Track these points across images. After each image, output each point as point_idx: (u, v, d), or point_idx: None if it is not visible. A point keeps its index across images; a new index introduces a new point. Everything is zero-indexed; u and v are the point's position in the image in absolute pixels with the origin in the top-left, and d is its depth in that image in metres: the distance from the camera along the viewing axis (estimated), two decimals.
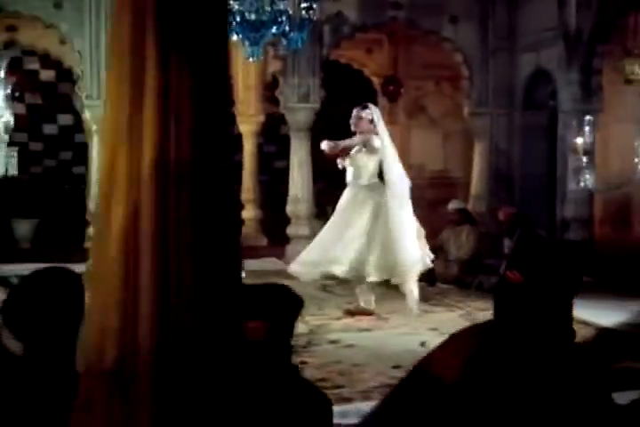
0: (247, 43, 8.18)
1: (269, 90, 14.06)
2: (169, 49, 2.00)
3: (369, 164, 7.84)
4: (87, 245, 13.02)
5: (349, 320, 7.76)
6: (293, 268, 7.94)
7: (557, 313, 3.03)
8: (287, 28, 7.86)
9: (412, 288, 7.76)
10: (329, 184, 10.93)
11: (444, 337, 7.32)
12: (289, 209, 11.61)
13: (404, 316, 7.81)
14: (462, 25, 11.41)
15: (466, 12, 11.39)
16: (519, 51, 11.42)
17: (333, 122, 12.14)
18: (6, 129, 11.76)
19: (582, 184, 5.40)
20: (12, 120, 12.58)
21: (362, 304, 7.92)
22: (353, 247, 7.61)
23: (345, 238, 7.63)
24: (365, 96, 14.32)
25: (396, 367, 5.98)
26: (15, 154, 12.09)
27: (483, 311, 8.21)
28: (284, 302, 2.79)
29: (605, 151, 10.36)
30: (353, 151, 7.87)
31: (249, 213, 14.06)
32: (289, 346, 2.77)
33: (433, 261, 8.20)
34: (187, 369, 2.00)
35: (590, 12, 10.08)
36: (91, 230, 11.01)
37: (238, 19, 7.87)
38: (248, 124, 13.95)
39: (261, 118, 13.96)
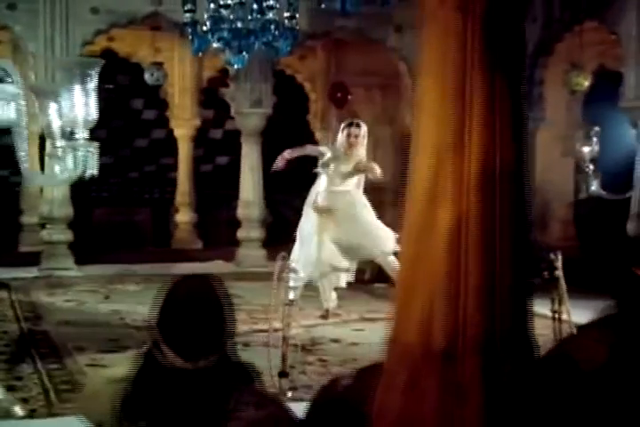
0: (228, 51, 8.32)
1: (204, 94, 14.22)
2: (493, 67, 2.27)
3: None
4: (21, 249, 12.90)
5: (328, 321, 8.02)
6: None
7: None
8: (271, 38, 8.07)
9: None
10: None
11: None
12: (240, 213, 11.76)
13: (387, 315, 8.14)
14: (407, 35, 11.82)
15: (410, 22, 11.77)
16: None
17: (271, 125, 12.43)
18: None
19: (591, 190, 5.86)
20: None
21: (331, 305, 8.18)
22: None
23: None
24: (298, 101, 14.65)
25: None
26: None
27: None
28: None
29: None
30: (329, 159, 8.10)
31: (184, 216, 14.15)
32: None
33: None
34: (511, 353, 2.25)
35: (535, 26, 10.63)
36: (45, 233, 10.91)
37: (225, 26, 8.01)
38: (184, 129, 14.03)
39: (197, 122, 14.04)
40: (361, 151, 8.07)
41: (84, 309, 8.52)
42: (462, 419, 2.23)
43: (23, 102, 4.63)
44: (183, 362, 2.63)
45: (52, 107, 4.98)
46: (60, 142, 4.83)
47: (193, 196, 14.15)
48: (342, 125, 8.26)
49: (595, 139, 5.89)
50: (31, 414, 4.82)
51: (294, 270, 5.14)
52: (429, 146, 2.34)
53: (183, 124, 13.99)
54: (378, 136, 14.33)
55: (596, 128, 5.92)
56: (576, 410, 2.75)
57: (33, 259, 11.14)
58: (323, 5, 7.57)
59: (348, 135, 8.01)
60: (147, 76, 12.17)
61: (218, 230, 15.08)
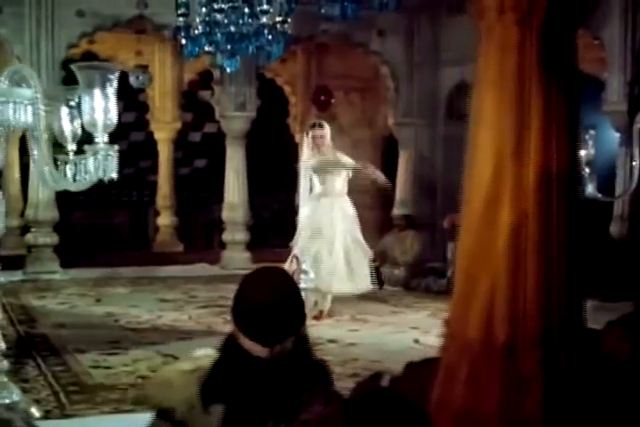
0: (220, 54, 8.40)
1: (185, 98, 14.26)
2: (550, 77, 2.38)
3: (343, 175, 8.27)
4: (2, 252, 12.83)
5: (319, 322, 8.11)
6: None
7: None
8: (264, 41, 8.17)
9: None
10: None
11: (430, 334, 7.68)
12: (225, 215, 11.80)
13: (378, 316, 8.32)
14: (389, 39, 11.96)
15: (393, 26, 11.92)
16: (442, 65, 12.04)
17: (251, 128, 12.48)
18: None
19: (587, 192, 5.97)
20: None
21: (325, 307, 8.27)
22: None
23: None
24: (278, 105, 14.73)
25: None
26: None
27: (446, 312, 8.71)
28: None
29: None
30: (314, 163, 8.19)
31: (165, 219, 14.17)
32: None
33: (378, 266, 8.73)
34: (568, 348, 2.36)
35: None
36: (30, 237, 10.89)
37: (217, 30, 8.09)
38: (164, 132, 14.05)
39: (178, 125, 14.08)
40: (329, 149, 8.19)
41: (76, 311, 8.53)
42: (524, 412, 2.33)
43: (41, 106, 4.66)
44: (261, 348, 2.75)
45: (64, 111, 5.04)
46: (71, 146, 4.88)
47: (173, 199, 14.17)
48: (306, 128, 8.44)
49: (590, 142, 6.04)
50: (46, 416, 4.87)
51: (305, 272, 5.22)
52: (488, 155, 2.44)
53: (164, 127, 14.02)
54: (357, 138, 14.49)
55: (592, 131, 6.07)
56: (612, 404, 2.85)
57: (15, 262, 11.10)
58: (323, 10, 7.65)
59: (314, 137, 8.16)
60: (132, 80, 12.19)
61: (197, 233, 15.16)
